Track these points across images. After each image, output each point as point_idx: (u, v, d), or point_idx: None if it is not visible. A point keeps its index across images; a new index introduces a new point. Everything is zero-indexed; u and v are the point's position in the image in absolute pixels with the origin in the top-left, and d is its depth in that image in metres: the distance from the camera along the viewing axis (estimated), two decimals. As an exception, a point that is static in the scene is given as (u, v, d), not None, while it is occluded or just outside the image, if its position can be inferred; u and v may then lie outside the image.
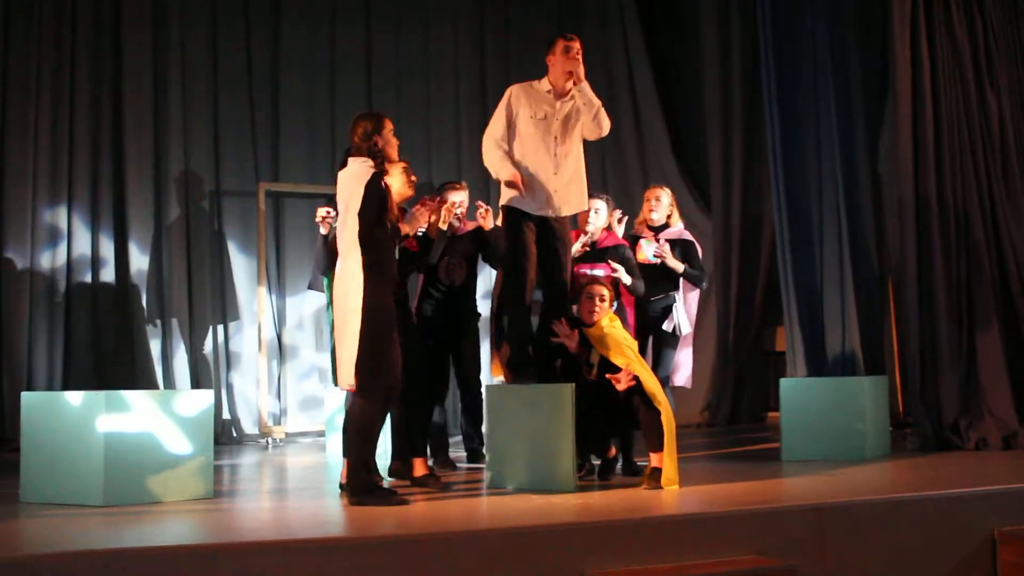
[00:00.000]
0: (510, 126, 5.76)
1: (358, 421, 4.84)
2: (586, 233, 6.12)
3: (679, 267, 6.54)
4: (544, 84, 5.82)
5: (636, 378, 5.31)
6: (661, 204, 6.65)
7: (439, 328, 6.46)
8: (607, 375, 5.37)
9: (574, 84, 5.73)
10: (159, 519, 4.54)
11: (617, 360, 5.37)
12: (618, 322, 5.64)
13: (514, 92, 5.82)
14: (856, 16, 8.08)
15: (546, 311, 5.84)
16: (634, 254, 6.33)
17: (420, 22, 9.99)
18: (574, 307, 5.81)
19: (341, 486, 5.38)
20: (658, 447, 5.24)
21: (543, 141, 5.74)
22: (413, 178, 5.82)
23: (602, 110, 5.79)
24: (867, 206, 8.01)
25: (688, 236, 6.72)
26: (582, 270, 6.05)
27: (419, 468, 5.60)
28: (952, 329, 6.95)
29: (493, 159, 5.75)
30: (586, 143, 5.92)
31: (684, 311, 6.61)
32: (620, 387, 5.32)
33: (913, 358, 7.05)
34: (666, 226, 6.67)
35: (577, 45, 5.75)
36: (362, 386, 4.82)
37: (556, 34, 5.96)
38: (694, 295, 6.81)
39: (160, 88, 8.90)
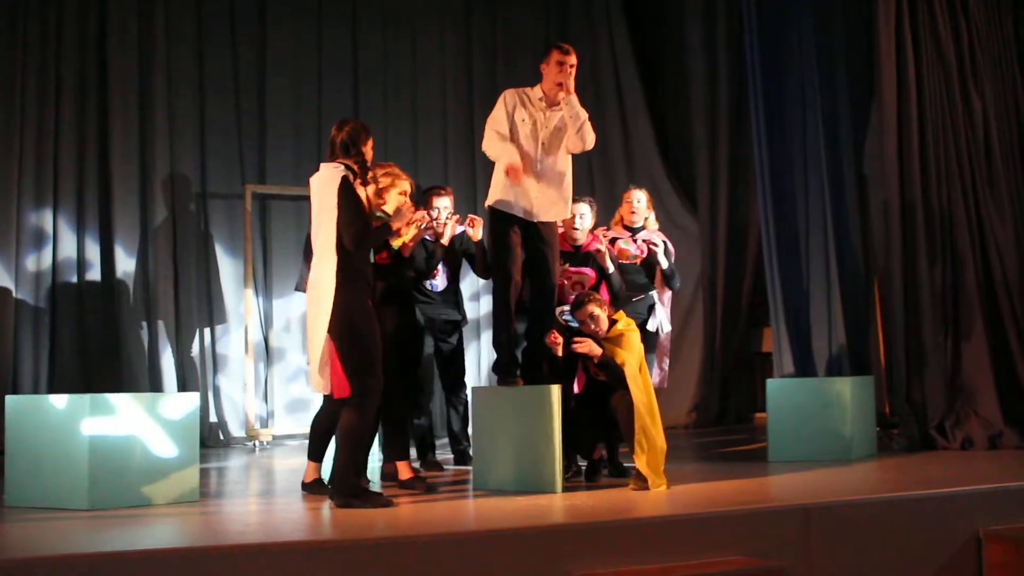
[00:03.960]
0: (508, 123, 5.78)
1: (349, 424, 4.82)
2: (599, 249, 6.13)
3: (665, 263, 6.52)
4: (537, 91, 5.85)
5: (623, 374, 5.31)
6: (641, 205, 6.65)
7: (425, 332, 6.47)
8: (575, 341, 5.38)
9: (564, 95, 5.74)
10: (145, 522, 4.52)
11: (620, 355, 5.37)
12: (633, 324, 5.63)
13: (508, 95, 5.85)
14: (842, 18, 8.10)
15: (534, 314, 5.84)
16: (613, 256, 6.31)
17: (407, 26, 9.98)
18: (560, 309, 5.81)
19: (304, 485, 5.45)
20: (630, 445, 5.27)
21: (530, 147, 5.76)
22: (381, 186, 5.60)
23: (587, 124, 5.80)
24: (853, 207, 8.03)
25: (663, 236, 6.72)
26: (568, 272, 6.06)
27: (404, 471, 5.60)
28: (937, 330, 6.98)
29: (495, 144, 5.76)
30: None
31: (664, 310, 6.63)
32: (579, 349, 5.34)
33: (899, 358, 7.07)
34: (643, 227, 6.67)
35: (572, 60, 5.78)
36: (359, 391, 4.81)
37: (552, 44, 5.98)
38: (667, 296, 6.80)
39: (146, 90, 8.87)
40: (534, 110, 5.79)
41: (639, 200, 6.66)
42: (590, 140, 5.84)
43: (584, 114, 5.80)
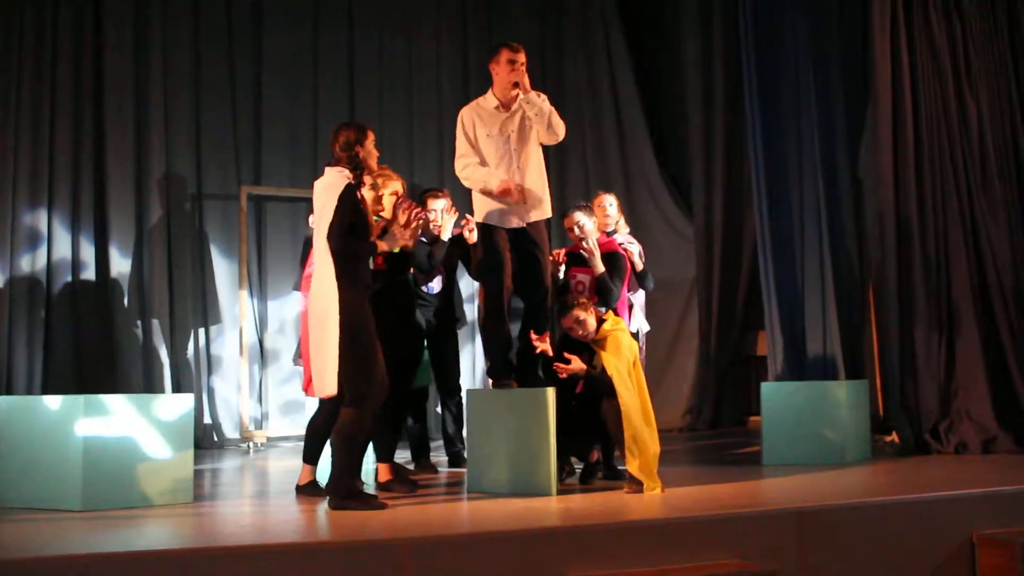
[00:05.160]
0: (474, 148, 5.79)
1: (348, 428, 4.82)
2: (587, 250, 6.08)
3: (640, 265, 6.48)
4: (491, 100, 5.82)
5: (611, 383, 5.30)
6: (612, 210, 6.59)
7: (420, 334, 6.46)
8: (556, 364, 5.37)
9: (522, 94, 5.73)
10: (138, 524, 4.51)
11: (607, 360, 5.36)
12: (623, 324, 5.63)
13: (465, 116, 5.83)
14: (837, 22, 8.11)
15: (527, 317, 5.84)
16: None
17: (403, 28, 9.99)
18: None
19: (298, 488, 5.46)
20: (621, 451, 5.28)
21: (503, 157, 5.75)
22: (381, 193, 5.69)
23: (555, 115, 5.78)
24: (848, 211, 8.04)
25: (623, 248, 6.45)
26: (573, 273, 6.04)
27: (383, 473, 5.61)
28: (932, 333, 6.98)
29: (476, 174, 5.76)
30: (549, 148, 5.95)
31: (642, 312, 6.62)
32: (561, 375, 5.35)
33: (893, 362, 7.08)
34: (614, 232, 6.60)
35: (522, 57, 5.75)
36: (356, 395, 4.81)
37: (500, 43, 5.94)
38: (641, 296, 6.80)
39: (141, 92, 8.87)
40: (496, 120, 5.78)
41: (610, 204, 6.61)
42: (561, 131, 5.83)
43: (547, 105, 5.77)
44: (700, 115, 9.93)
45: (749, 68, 8.43)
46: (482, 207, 5.79)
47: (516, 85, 5.70)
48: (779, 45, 8.38)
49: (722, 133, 9.81)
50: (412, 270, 6.16)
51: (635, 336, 6.52)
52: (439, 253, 6.27)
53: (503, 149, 5.75)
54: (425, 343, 6.54)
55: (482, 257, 5.86)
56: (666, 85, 10.52)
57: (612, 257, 6.10)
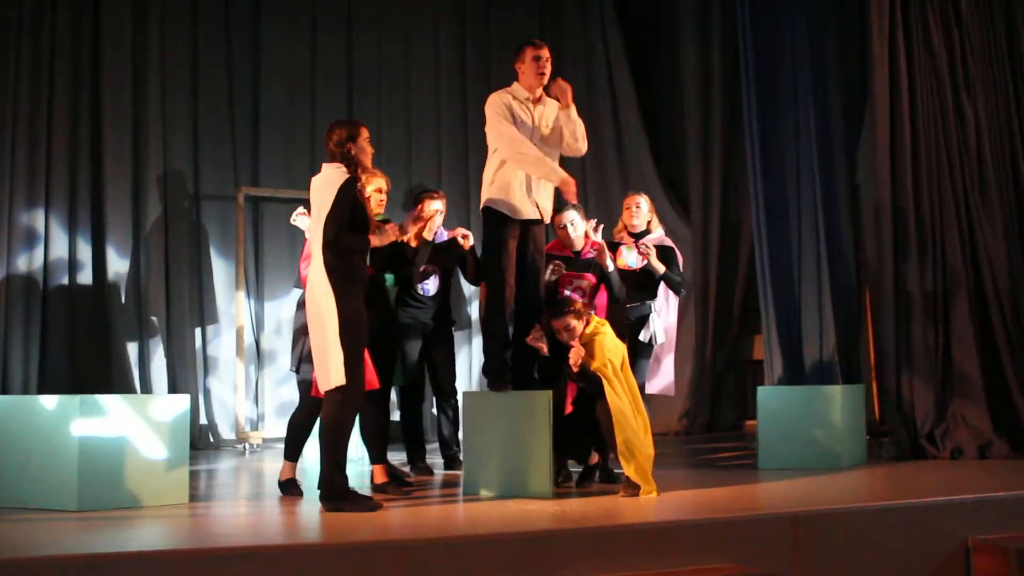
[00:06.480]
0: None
1: (330, 426, 4.82)
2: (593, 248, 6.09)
3: (660, 268, 6.48)
4: (521, 91, 5.81)
5: (600, 384, 5.30)
6: (641, 210, 6.64)
7: (414, 336, 6.46)
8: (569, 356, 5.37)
9: (562, 108, 5.77)
10: (134, 524, 4.51)
11: (593, 365, 5.36)
12: (607, 327, 5.61)
13: (501, 99, 5.74)
14: (835, 26, 8.13)
15: (521, 319, 5.83)
16: (614, 261, 6.27)
17: (401, 29, 9.99)
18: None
19: (280, 484, 5.51)
20: (616, 454, 5.28)
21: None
22: (368, 193, 5.62)
23: (584, 134, 5.85)
24: (845, 215, 8.05)
25: (669, 242, 6.70)
26: (568, 278, 6.03)
27: (379, 475, 5.61)
28: (928, 338, 6.99)
29: (541, 160, 5.65)
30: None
31: (660, 321, 6.61)
32: (574, 368, 5.35)
33: (889, 367, 7.09)
34: (647, 232, 6.66)
35: (546, 53, 5.77)
36: (334, 391, 4.81)
37: (524, 41, 5.94)
38: (674, 304, 6.81)
39: (139, 91, 8.86)
40: (527, 111, 5.78)
41: (638, 205, 6.64)
42: (585, 147, 5.91)
43: (581, 123, 5.84)
44: (698, 117, 9.94)
45: (747, 71, 8.45)
46: (496, 193, 5.69)
47: (546, 90, 5.74)
48: (777, 48, 8.39)
49: (720, 136, 9.82)
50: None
51: (650, 344, 6.51)
52: (423, 254, 6.17)
53: (532, 139, 5.73)
54: (410, 344, 6.51)
55: (488, 253, 5.79)
56: (664, 87, 10.53)
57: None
